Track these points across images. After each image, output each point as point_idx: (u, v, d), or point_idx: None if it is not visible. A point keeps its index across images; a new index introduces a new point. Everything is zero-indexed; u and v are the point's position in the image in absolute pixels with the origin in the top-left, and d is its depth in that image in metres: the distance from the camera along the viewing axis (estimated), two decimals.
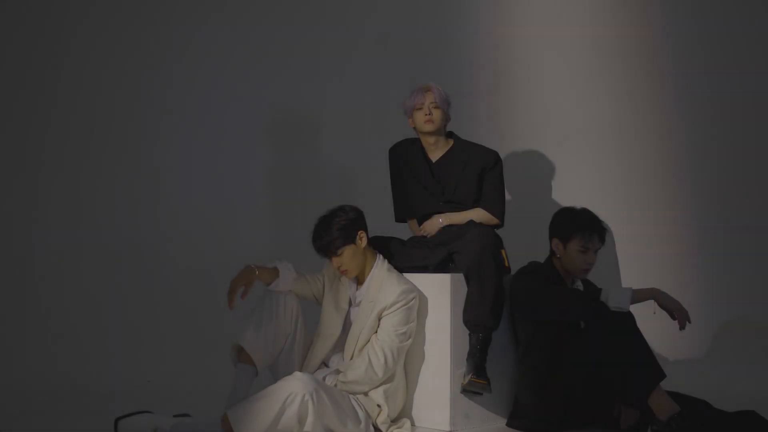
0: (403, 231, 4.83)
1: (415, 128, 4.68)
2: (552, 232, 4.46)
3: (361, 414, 4.11)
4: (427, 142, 4.68)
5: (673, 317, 4.19)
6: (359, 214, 4.26)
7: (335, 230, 4.15)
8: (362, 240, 4.23)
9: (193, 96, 6.35)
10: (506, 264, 4.39)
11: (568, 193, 5.79)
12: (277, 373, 4.26)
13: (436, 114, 4.57)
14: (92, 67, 6.37)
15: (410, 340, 4.25)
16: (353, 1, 6.35)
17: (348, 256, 4.19)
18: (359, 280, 4.34)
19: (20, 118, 6.34)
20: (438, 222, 4.60)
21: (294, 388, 3.83)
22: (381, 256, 4.34)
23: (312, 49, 6.33)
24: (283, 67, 6.34)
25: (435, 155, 4.69)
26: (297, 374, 3.92)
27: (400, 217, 4.84)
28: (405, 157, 4.73)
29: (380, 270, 4.28)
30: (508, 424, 4.42)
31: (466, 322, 4.27)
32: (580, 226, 4.34)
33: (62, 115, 6.35)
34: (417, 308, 4.27)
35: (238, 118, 6.35)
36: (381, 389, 4.20)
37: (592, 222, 4.37)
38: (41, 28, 6.36)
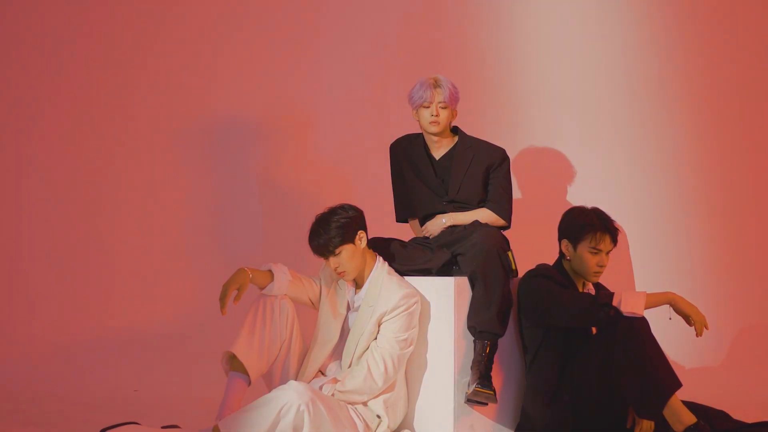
0: (404, 232, 4.81)
1: (419, 120, 4.66)
2: (561, 233, 4.45)
3: (359, 425, 4.10)
4: (430, 138, 4.66)
5: (689, 323, 4.18)
6: (359, 214, 4.25)
7: (334, 228, 4.14)
8: (362, 240, 4.22)
9: (186, 95, 6.36)
10: (513, 267, 4.37)
11: (578, 192, 5.79)
12: (271, 382, 4.25)
13: (443, 115, 4.54)
14: (83, 66, 6.39)
15: (411, 347, 4.24)
16: None
17: (346, 257, 4.17)
18: (358, 284, 4.32)
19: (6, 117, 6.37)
20: (441, 222, 4.58)
21: (289, 398, 3.82)
22: (381, 259, 4.33)
23: (307, 44, 6.33)
24: (277, 63, 6.34)
25: (438, 152, 4.67)
26: (292, 383, 3.91)
27: (402, 218, 4.83)
28: (406, 154, 4.71)
29: (380, 273, 4.27)
30: None
31: (471, 328, 4.26)
32: (590, 227, 4.33)
33: (53, 116, 6.37)
34: (419, 313, 4.26)
35: (230, 117, 6.34)
36: (381, 399, 4.19)
37: (603, 222, 4.35)
38: (21, 28, 6.38)
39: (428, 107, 4.53)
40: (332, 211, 4.20)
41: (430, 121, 4.54)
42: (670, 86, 6.03)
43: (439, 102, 4.52)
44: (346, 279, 4.25)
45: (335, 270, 4.20)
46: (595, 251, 4.33)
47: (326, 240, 4.14)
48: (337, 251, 4.15)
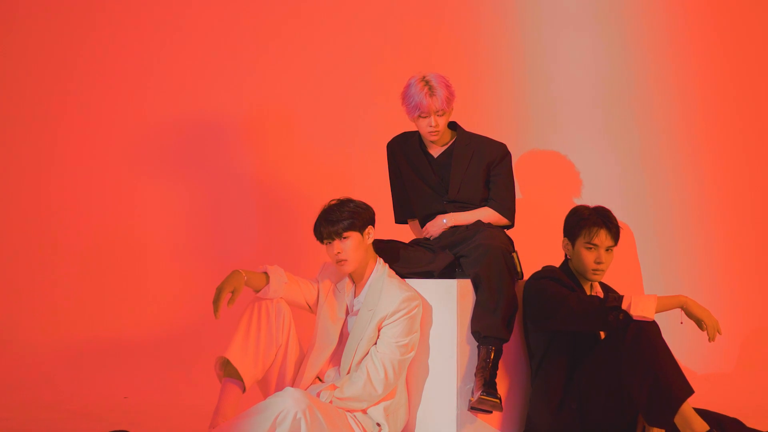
0: (404, 233, 4.76)
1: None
2: (563, 232, 4.45)
3: None
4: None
5: (701, 327, 4.15)
6: (372, 211, 4.27)
7: (347, 212, 4.16)
8: (369, 236, 4.22)
9: (179, 94, 6.36)
10: (518, 269, 4.35)
11: (585, 193, 5.85)
12: (266, 388, 4.21)
13: (442, 122, 4.49)
14: (76, 68, 6.39)
15: (413, 353, 4.21)
16: None
17: (352, 245, 4.15)
18: (357, 286, 4.29)
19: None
20: (442, 223, 4.55)
21: (285, 405, 3.79)
22: (381, 261, 4.31)
23: (302, 42, 6.34)
24: (273, 61, 6.35)
25: (436, 150, 4.64)
26: (288, 390, 3.87)
27: (401, 219, 4.81)
28: (404, 152, 4.67)
29: (380, 275, 4.24)
30: None
31: (475, 333, 4.21)
32: (584, 221, 4.34)
33: (47, 117, 6.38)
34: (420, 317, 4.23)
35: (224, 117, 6.34)
36: (381, 406, 4.16)
37: (599, 216, 4.35)
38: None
39: (426, 117, 4.47)
40: (348, 199, 4.23)
41: (428, 131, 4.49)
42: (679, 86, 6.10)
43: (436, 111, 4.45)
44: (345, 269, 4.21)
45: (336, 256, 4.17)
46: (590, 246, 4.32)
47: (337, 221, 4.13)
48: (345, 235, 4.14)
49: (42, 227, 6.29)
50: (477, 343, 4.22)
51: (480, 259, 4.21)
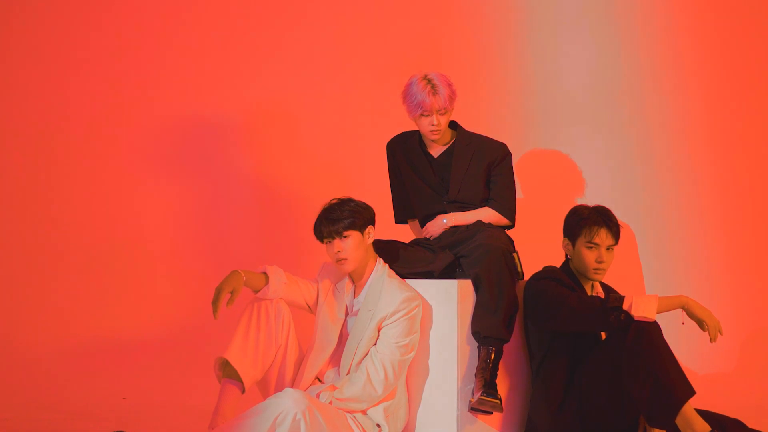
0: (404, 234, 4.75)
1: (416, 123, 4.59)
2: (563, 232, 4.43)
3: None
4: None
5: (702, 328, 4.13)
6: (372, 211, 4.26)
7: (347, 210, 4.15)
8: (369, 236, 4.21)
9: (178, 94, 6.36)
10: (519, 269, 4.33)
11: (586, 193, 5.80)
12: (266, 389, 4.20)
13: (444, 121, 4.47)
14: (74, 68, 6.39)
15: (413, 353, 4.19)
16: None
17: (352, 244, 4.14)
18: (357, 286, 4.28)
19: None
20: (442, 223, 4.53)
21: (285, 406, 3.78)
22: (381, 261, 4.29)
23: (300, 41, 6.33)
24: (271, 60, 6.34)
25: (436, 150, 4.62)
26: (288, 391, 3.86)
27: (401, 219, 4.79)
28: (404, 152, 4.65)
29: (380, 276, 4.23)
30: None
31: (476, 334, 4.20)
32: (585, 220, 4.33)
33: (41, 117, 6.34)
34: (420, 318, 4.22)
35: (222, 116, 6.33)
36: (381, 407, 4.15)
37: (600, 215, 4.34)
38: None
39: (428, 116, 4.44)
40: (348, 199, 4.22)
41: (430, 129, 4.47)
42: (681, 86, 6.09)
43: (439, 110, 4.43)
44: (345, 269, 4.19)
45: (336, 255, 4.15)
46: (591, 245, 4.31)
47: (338, 220, 4.12)
48: (345, 233, 4.12)
49: (42, 227, 6.28)
50: (477, 344, 4.21)
51: (480, 260, 4.19)
